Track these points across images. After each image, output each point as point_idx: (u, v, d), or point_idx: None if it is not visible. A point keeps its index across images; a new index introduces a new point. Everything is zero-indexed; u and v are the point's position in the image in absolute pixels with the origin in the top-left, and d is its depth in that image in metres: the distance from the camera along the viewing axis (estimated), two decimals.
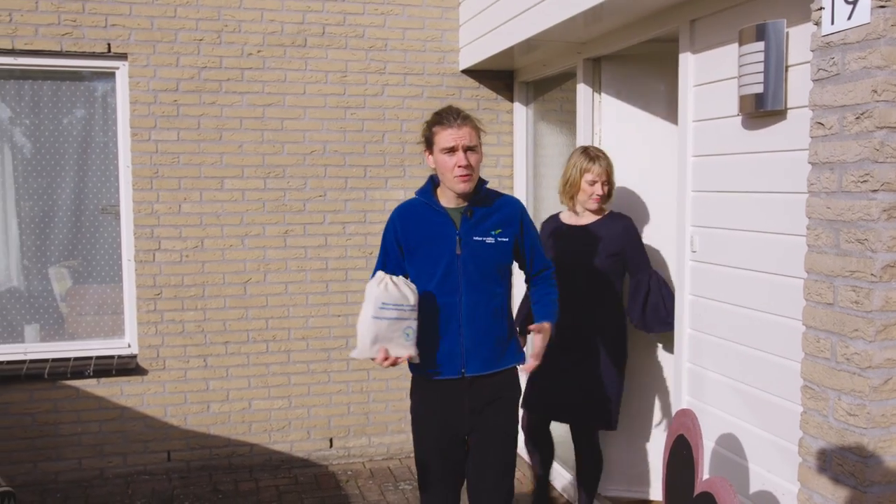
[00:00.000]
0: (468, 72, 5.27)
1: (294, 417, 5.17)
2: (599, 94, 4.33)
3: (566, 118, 5.00)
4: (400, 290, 2.79)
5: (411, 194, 5.28)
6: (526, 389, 3.88)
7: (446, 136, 2.89)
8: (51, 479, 4.83)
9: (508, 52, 4.67)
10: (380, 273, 2.86)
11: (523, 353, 3.12)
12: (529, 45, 4.43)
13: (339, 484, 4.92)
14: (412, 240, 3.01)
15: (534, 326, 3.01)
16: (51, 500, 4.63)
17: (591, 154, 3.85)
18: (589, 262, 3.83)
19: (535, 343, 3.04)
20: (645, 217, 4.18)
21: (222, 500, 4.63)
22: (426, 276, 2.97)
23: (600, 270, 3.83)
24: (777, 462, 2.89)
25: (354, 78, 5.11)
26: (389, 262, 3.05)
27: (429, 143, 2.98)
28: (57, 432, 4.81)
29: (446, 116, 2.92)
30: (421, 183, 5.26)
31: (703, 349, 3.36)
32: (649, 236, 4.11)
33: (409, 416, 5.28)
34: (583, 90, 4.38)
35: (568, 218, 4.01)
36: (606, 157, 3.87)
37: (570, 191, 3.91)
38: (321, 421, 5.22)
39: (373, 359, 2.86)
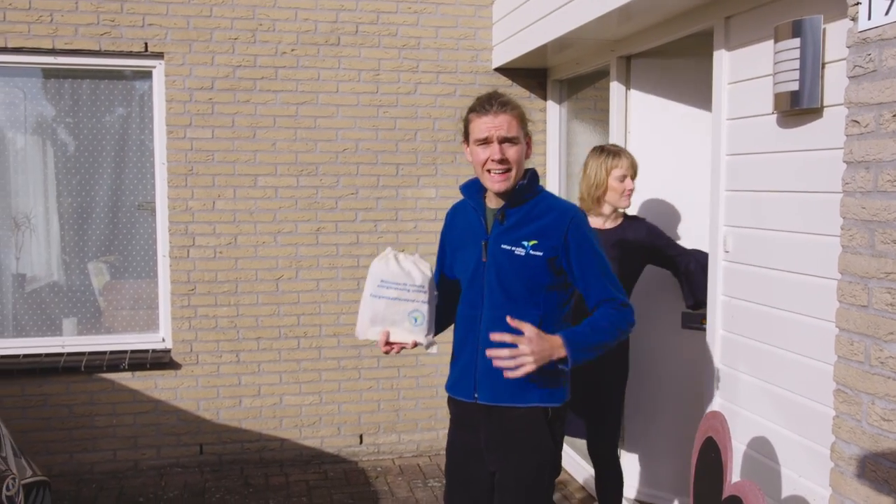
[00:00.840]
0: (501, 70, 5.25)
1: (324, 413, 5.20)
2: (633, 92, 4.29)
3: (600, 117, 4.95)
4: (402, 268, 2.48)
5: (443, 192, 5.35)
6: None
7: (480, 126, 2.54)
8: (86, 470, 4.91)
9: (541, 50, 4.64)
10: (388, 249, 2.57)
11: (562, 395, 2.60)
12: (562, 43, 4.39)
13: (368, 480, 4.93)
14: (452, 241, 2.78)
15: (515, 322, 2.47)
16: (86, 491, 4.71)
17: (612, 150, 3.67)
18: (621, 269, 3.56)
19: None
20: (677, 216, 4.13)
21: (253, 494, 4.67)
22: (462, 281, 2.70)
23: (629, 275, 3.72)
24: (809, 466, 2.83)
25: (387, 76, 5.12)
26: (441, 263, 2.83)
27: (466, 133, 2.64)
28: (93, 424, 4.89)
29: (482, 102, 2.57)
30: (453, 182, 5.31)
31: (734, 351, 3.31)
32: (681, 236, 4.06)
33: (438, 414, 5.33)
34: (616, 88, 4.33)
35: (594, 224, 3.75)
36: (628, 151, 3.74)
37: (595, 193, 3.66)
38: (351, 417, 5.24)
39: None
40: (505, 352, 2.41)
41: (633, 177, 3.69)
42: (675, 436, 4.08)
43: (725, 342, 3.38)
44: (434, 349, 2.58)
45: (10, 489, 2.89)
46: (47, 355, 4.88)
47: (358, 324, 2.57)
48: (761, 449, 3.11)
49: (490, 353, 2.44)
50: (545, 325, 2.52)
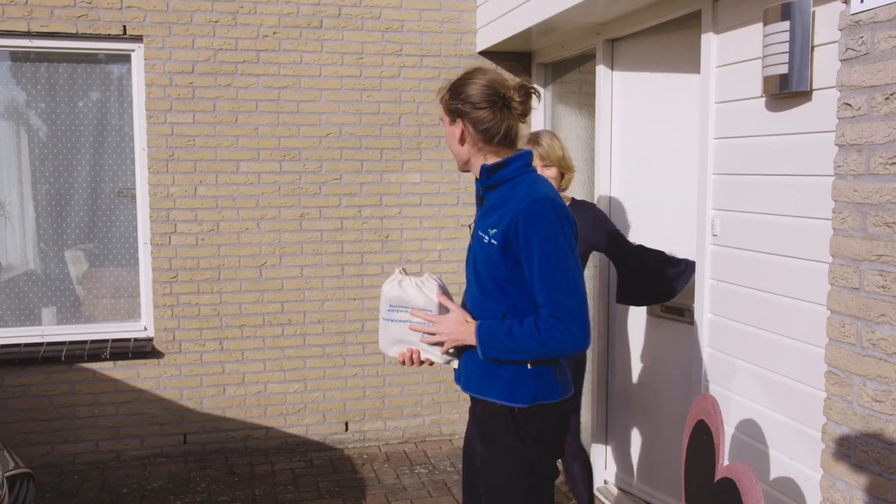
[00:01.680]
0: (486, 53, 5.24)
1: (309, 401, 5.19)
2: (619, 75, 4.29)
3: (585, 101, 4.95)
4: (406, 293, 2.46)
5: (427, 177, 5.34)
6: None
7: None
8: (68, 462, 4.87)
9: (526, 34, 4.63)
10: (396, 271, 2.54)
11: (527, 396, 2.40)
12: (548, 26, 4.38)
13: (354, 467, 4.93)
14: None
15: (443, 300, 2.47)
16: (68, 482, 4.67)
17: (531, 137, 3.59)
18: None
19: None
20: (664, 200, 4.15)
21: (238, 483, 4.66)
22: None
23: None
24: (799, 449, 2.86)
25: (371, 60, 5.09)
26: None
27: None
28: (74, 415, 4.85)
29: None
30: (437, 167, 5.30)
31: (723, 334, 3.34)
32: (668, 219, 4.08)
33: (424, 400, 5.34)
34: (602, 71, 4.34)
35: None
36: (552, 138, 3.59)
37: None
38: (337, 405, 5.23)
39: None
40: (422, 319, 2.46)
41: (558, 166, 3.57)
42: (659, 422, 4.12)
43: (713, 326, 3.40)
44: (454, 364, 2.54)
45: None
46: (26, 345, 4.83)
47: (379, 342, 2.59)
48: (751, 432, 3.14)
49: (411, 325, 2.48)
50: (511, 317, 2.41)
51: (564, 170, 3.64)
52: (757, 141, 3.10)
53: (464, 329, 2.43)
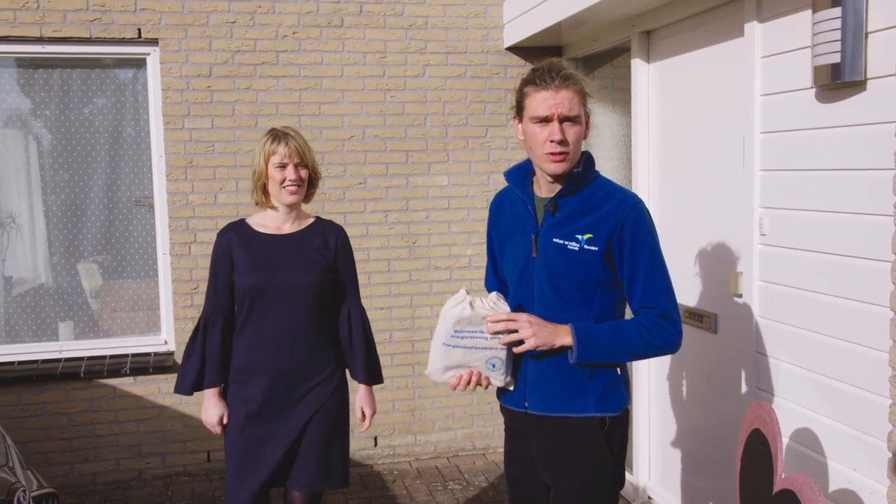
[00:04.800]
0: (513, 49, 5.24)
1: None
2: (656, 68, 4.27)
3: (619, 96, 4.93)
4: (479, 315, 2.39)
5: (455, 180, 5.34)
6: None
7: (539, 101, 2.37)
8: (88, 482, 4.91)
9: (556, 28, 4.62)
10: (462, 291, 2.44)
11: (620, 403, 2.48)
12: (579, 19, 4.38)
13: (385, 484, 4.93)
14: (500, 234, 2.65)
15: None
16: (90, 503, 4.71)
17: (277, 134, 3.15)
18: (298, 283, 3.13)
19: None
20: (706, 198, 4.12)
21: None
22: (508, 279, 2.59)
23: (322, 292, 3.20)
24: (861, 459, 2.83)
25: (394, 58, 5.10)
26: (491, 261, 2.75)
27: (519, 108, 2.47)
28: (94, 433, 4.89)
29: (542, 74, 2.38)
30: (465, 168, 5.30)
31: (773, 338, 3.31)
32: (711, 219, 4.05)
33: (456, 413, 5.33)
34: (638, 65, 4.32)
35: (262, 223, 3.21)
36: (298, 136, 3.17)
37: (257, 183, 3.16)
38: None
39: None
40: (502, 320, 2.38)
41: (304, 166, 3.14)
42: (702, 429, 4.08)
43: (763, 330, 3.37)
44: (511, 387, 2.54)
45: (21, 502, 2.89)
46: (44, 361, 4.88)
47: (430, 366, 2.52)
48: (807, 441, 3.11)
49: (490, 328, 2.39)
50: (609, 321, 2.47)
51: (316, 175, 3.25)
52: (807, 134, 3.07)
53: (553, 329, 2.39)
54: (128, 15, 4.75)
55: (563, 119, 2.36)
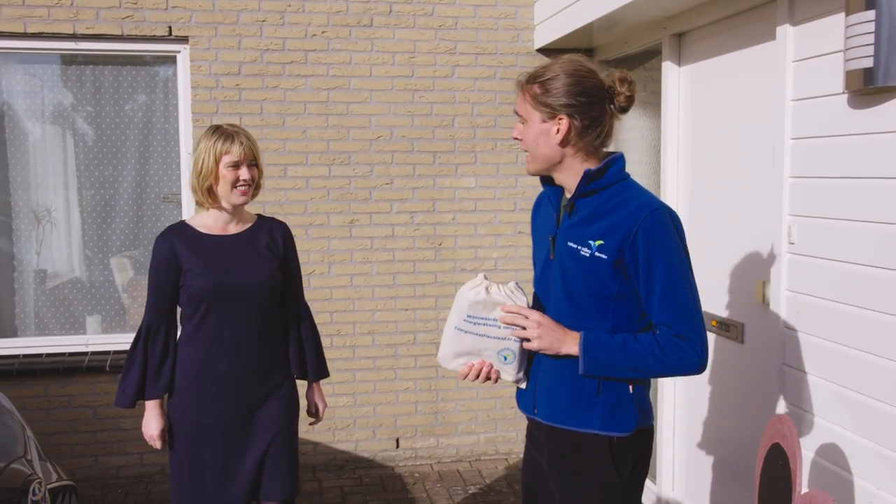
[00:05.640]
0: (544, 51, 5.20)
1: (359, 416, 5.20)
2: (686, 71, 4.21)
3: (650, 99, 4.87)
4: (495, 301, 2.33)
5: (483, 182, 5.32)
6: None
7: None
8: (112, 474, 4.97)
9: (587, 29, 4.58)
10: (480, 276, 2.38)
11: (630, 423, 2.35)
12: (611, 20, 4.33)
13: (405, 486, 4.92)
14: (535, 232, 2.60)
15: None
16: (112, 496, 4.76)
17: (227, 132, 3.05)
18: (255, 281, 3.08)
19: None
20: (736, 205, 4.05)
21: None
22: (534, 282, 2.54)
23: (276, 290, 3.17)
24: (888, 477, 2.75)
25: (423, 59, 5.09)
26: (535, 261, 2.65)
27: None
28: (118, 426, 4.95)
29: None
30: (493, 170, 5.28)
31: (800, 350, 3.24)
32: (740, 226, 3.98)
33: (479, 417, 5.31)
34: (668, 68, 4.26)
35: (205, 223, 3.12)
36: (247, 134, 3.09)
37: (204, 184, 3.04)
38: (387, 420, 5.24)
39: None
40: (514, 311, 2.31)
41: (257, 166, 3.10)
42: (727, 440, 4.02)
43: (789, 341, 3.30)
44: (523, 385, 2.47)
45: (37, 494, 2.92)
46: (71, 354, 4.95)
47: (440, 352, 2.46)
48: (832, 457, 3.04)
49: (502, 317, 2.33)
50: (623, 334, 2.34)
51: (261, 173, 3.15)
52: (839, 141, 3.00)
53: (561, 335, 2.30)
54: (159, 13, 4.80)
55: (521, 119, 2.36)
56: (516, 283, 2.40)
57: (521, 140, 2.37)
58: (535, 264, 2.56)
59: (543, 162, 2.35)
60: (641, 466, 2.40)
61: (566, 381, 2.35)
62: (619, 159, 2.37)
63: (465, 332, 2.35)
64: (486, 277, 2.37)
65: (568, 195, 2.40)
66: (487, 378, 2.40)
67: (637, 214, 2.24)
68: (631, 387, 2.34)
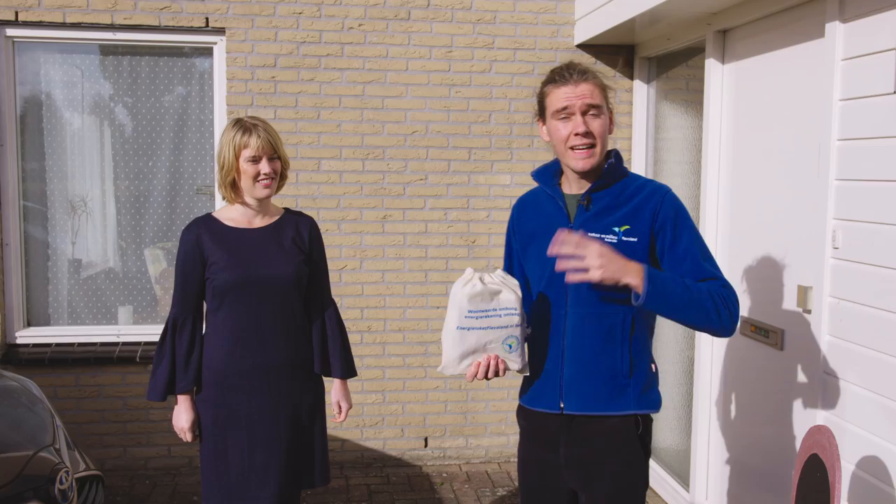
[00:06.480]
0: (584, 46, 5.14)
1: (388, 413, 5.19)
2: (730, 69, 4.13)
3: (692, 97, 4.80)
4: (490, 291, 2.34)
5: (518, 179, 5.27)
6: None
7: (558, 96, 2.38)
8: (140, 465, 5.01)
9: (629, 25, 4.52)
10: (469, 270, 2.39)
11: (657, 400, 2.51)
12: (653, 16, 4.26)
13: (432, 486, 4.90)
14: (524, 233, 2.61)
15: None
16: (140, 487, 4.80)
17: (246, 125, 3.04)
18: (280, 275, 3.09)
19: None
20: (776, 207, 3.96)
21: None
22: (535, 280, 2.54)
23: (302, 284, 3.18)
24: None
25: (460, 53, 5.06)
26: (508, 263, 2.72)
27: (541, 109, 2.50)
28: (147, 417, 4.99)
29: (559, 72, 2.42)
30: (529, 167, 5.22)
31: (843, 358, 3.16)
32: (783, 229, 3.89)
33: (509, 418, 5.27)
34: (711, 66, 4.19)
35: (232, 217, 3.13)
36: (268, 126, 3.07)
37: (227, 179, 3.06)
38: (416, 419, 5.22)
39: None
40: (571, 242, 2.25)
41: (278, 158, 3.08)
42: (764, 448, 3.94)
43: (832, 348, 3.22)
44: (528, 372, 2.51)
45: (63, 483, 2.94)
46: (102, 344, 5.00)
47: (444, 359, 2.42)
48: (874, 470, 2.96)
49: (552, 249, 2.28)
50: (638, 325, 2.45)
51: (286, 165, 3.18)
52: (887, 143, 2.92)
53: (623, 264, 2.26)
54: (196, 4, 4.82)
55: (585, 111, 2.38)
56: (503, 270, 2.47)
57: (591, 134, 2.39)
58: (533, 265, 2.57)
59: (600, 157, 2.44)
60: (650, 446, 2.55)
61: (597, 370, 2.43)
62: (619, 154, 2.52)
63: (469, 329, 2.36)
64: (474, 270, 2.40)
65: (574, 191, 2.49)
66: (496, 373, 2.40)
67: (656, 196, 2.43)
68: (653, 366, 2.50)
